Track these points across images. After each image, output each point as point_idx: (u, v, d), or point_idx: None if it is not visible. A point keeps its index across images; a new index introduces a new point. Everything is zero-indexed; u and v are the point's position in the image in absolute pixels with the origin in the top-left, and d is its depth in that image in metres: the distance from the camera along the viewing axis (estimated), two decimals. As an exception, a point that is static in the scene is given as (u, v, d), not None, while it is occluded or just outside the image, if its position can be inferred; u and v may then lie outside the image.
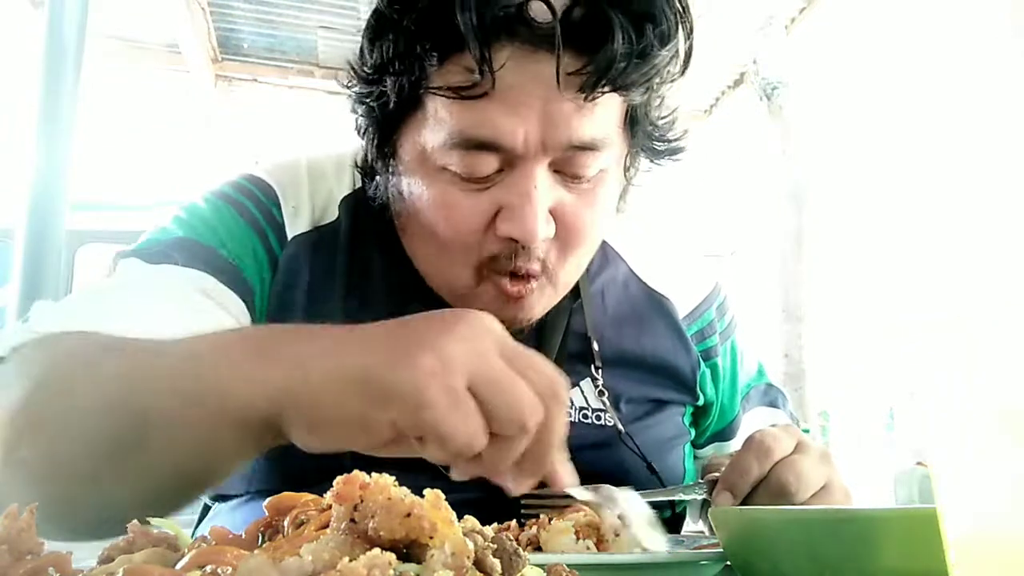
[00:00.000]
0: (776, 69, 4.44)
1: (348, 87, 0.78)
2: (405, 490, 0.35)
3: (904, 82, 4.80)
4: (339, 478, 0.36)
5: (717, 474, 0.78)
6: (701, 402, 0.96)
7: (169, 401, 0.53)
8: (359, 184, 0.87)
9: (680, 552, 0.67)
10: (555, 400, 0.51)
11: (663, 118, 0.82)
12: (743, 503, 0.75)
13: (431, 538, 0.34)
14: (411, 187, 0.77)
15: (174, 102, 6.31)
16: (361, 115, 0.78)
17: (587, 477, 0.80)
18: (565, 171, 0.74)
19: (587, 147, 0.73)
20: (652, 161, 0.85)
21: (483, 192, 0.73)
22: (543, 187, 0.72)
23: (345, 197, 0.86)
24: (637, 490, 0.80)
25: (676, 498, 0.84)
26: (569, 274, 0.81)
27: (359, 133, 0.80)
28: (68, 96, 1.91)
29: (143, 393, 0.54)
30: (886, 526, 0.49)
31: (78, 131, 1.95)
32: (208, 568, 0.35)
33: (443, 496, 0.35)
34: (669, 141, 0.84)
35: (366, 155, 0.81)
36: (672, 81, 0.77)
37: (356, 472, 0.36)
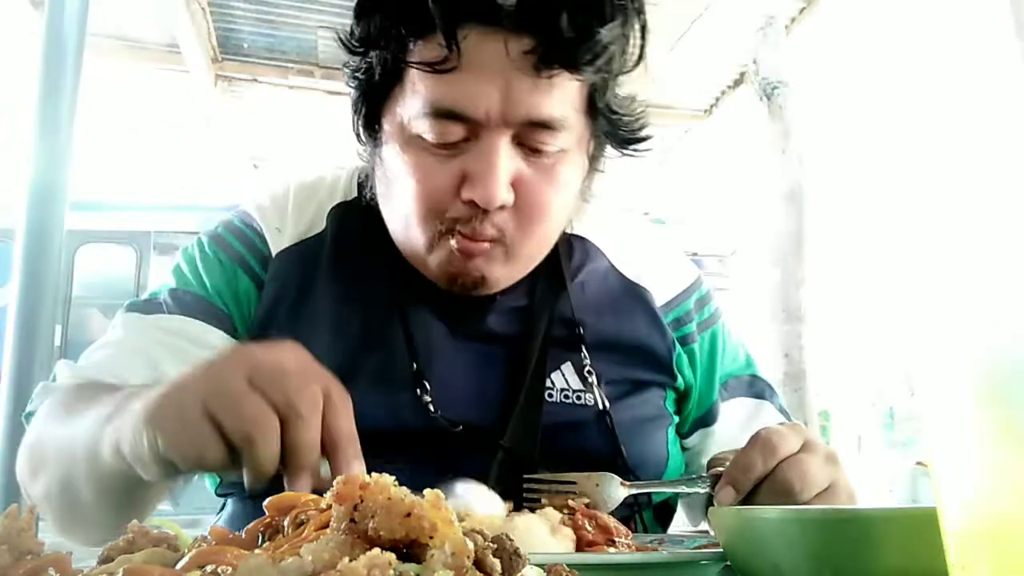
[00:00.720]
0: (776, 69, 4.44)
1: (346, 66, 0.88)
2: (405, 490, 0.35)
3: (904, 82, 4.80)
4: (339, 478, 0.36)
5: (721, 468, 0.78)
6: (680, 384, 0.99)
7: (82, 460, 0.71)
8: (353, 196, 0.98)
9: (680, 552, 0.67)
10: (291, 410, 0.58)
11: (625, 108, 0.89)
12: (746, 501, 0.75)
13: (431, 538, 0.34)
14: (390, 154, 0.85)
15: (174, 102, 6.31)
16: (353, 88, 0.88)
17: (569, 454, 0.85)
18: (526, 144, 0.81)
19: (545, 124, 0.80)
20: (618, 150, 0.92)
21: (451, 160, 0.81)
22: (505, 157, 0.79)
23: (334, 207, 0.96)
24: (620, 474, 0.83)
25: (680, 491, 0.85)
26: (528, 249, 0.86)
27: (352, 108, 0.90)
28: (68, 96, 1.91)
29: (71, 456, 0.73)
30: (886, 526, 0.49)
31: (78, 131, 1.95)
32: (208, 568, 0.35)
33: (443, 496, 0.35)
34: (631, 130, 0.90)
35: (356, 127, 0.91)
36: (625, 71, 0.85)
37: (356, 475, 0.36)
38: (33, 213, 1.88)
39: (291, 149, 6.88)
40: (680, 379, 0.99)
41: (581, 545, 0.66)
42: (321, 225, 0.95)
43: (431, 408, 0.86)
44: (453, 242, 0.82)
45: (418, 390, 0.86)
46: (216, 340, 0.89)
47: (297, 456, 0.58)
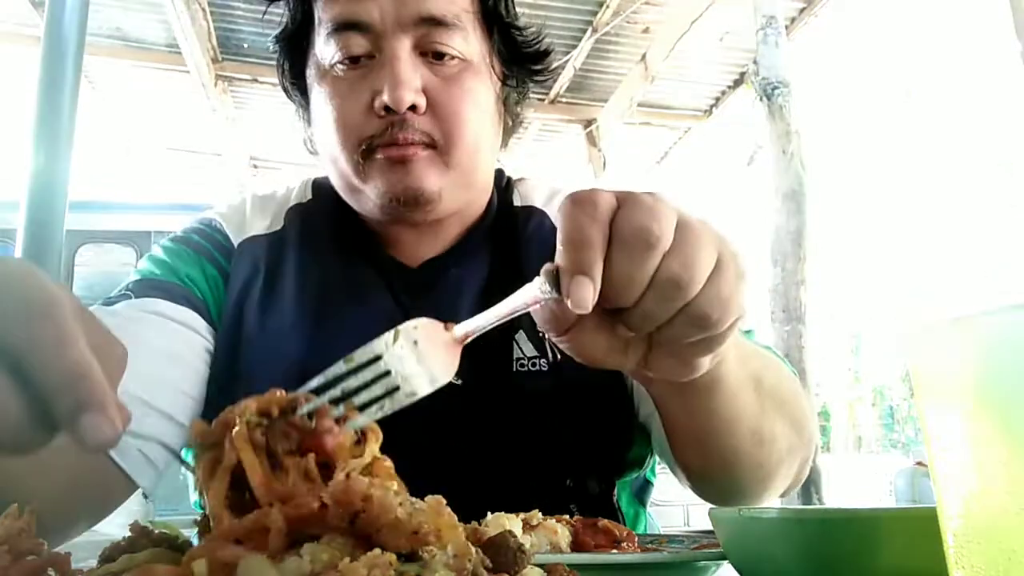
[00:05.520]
0: (776, 69, 4.44)
1: (273, 38, 0.97)
2: (408, 504, 0.34)
3: (905, 82, 4.80)
4: (336, 482, 0.35)
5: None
6: None
7: None
8: (307, 199, 1.04)
9: (680, 552, 0.67)
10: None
11: (519, 24, 0.96)
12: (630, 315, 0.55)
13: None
14: (314, 96, 0.93)
15: (174, 102, 6.31)
16: (277, 50, 0.97)
17: (535, 419, 0.87)
18: (428, 50, 0.88)
19: (438, 21, 0.87)
20: (519, 68, 0.97)
21: (362, 80, 0.88)
22: (406, 60, 0.86)
23: (290, 208, 1.02)
24: (584, 432, 0.87)
25: (515, 308, 0.57)
26: (458, 156, 0.89)
27: (277, 67, 0.99)
28: (68, 96, 1.91)
29: None
30: (886, 526, 0.49)
31: (78, 131, 1.95)
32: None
33: (444, 501, 0.35)
34: (526, 43, 0.97)
35: (284, 83, 1.00)
36: None
37: (356, 478, 0.36)
38: (33, 213, 1.88)
39: (291, 149, 6.88)
40: None
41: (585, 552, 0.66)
42: (280, 224, 1.00)
43: None
44: (389, 152, 0.86)
45: None
46: (192, 320, 0.89)
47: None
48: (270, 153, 7.31)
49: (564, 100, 6.26)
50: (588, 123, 6.48)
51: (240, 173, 7.50)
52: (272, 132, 6.68)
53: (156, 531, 0.41)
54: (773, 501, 0.91)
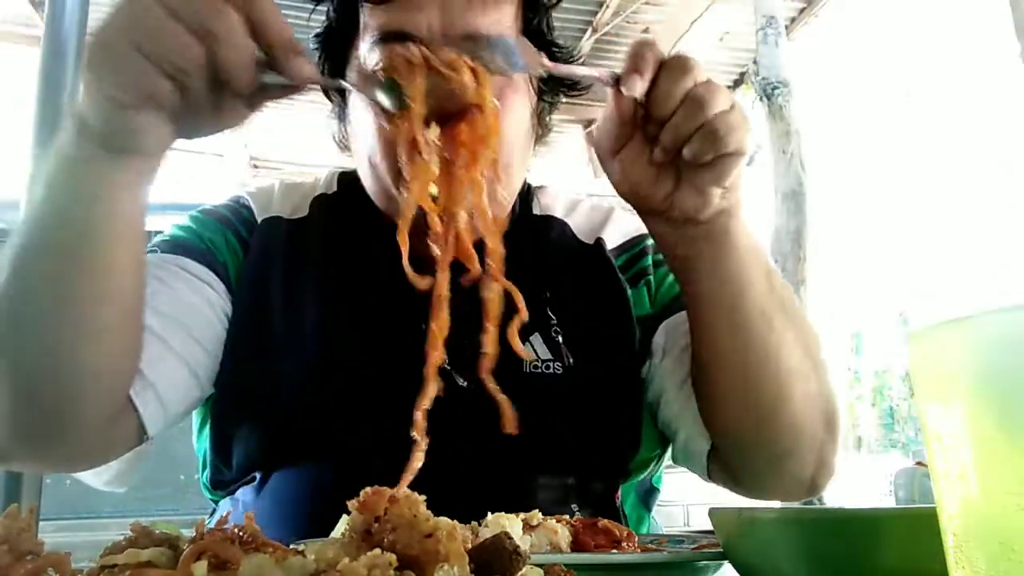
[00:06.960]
0: (776, 69, 4.44)
1: (314, 36, 0.99)
2: (430, 513, 0.35)
3: (904, 81, 4.80)
4: (367, 489, 0.36)
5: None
6: (643, 312, 1.00)
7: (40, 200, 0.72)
8: (333, 191, 1.07)
9: (680, 552, 0.67)
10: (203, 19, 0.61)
11: (559, 42, 1.00)
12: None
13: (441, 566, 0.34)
14: (354, 101, 0.95)
15: (174, 102, 6.30)
16: (317, 48, 0.99)
17: (549, 420, 0.88)
18: None
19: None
20: (556, 84, 1.00)
21: None
22: None
23: (317, 196, 1.05)
24: (597, 429, 0.88)
25: (580, 75, 0.89)
26: (495, 171, 0.89)
27: (318, 67, 1.00)
28: (68, 96, 1.91)
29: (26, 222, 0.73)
30: (886, 526, 0.49)
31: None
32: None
33: (459, 527, 0.36)
34: (566, 62, 1.00)
35: (325, 90, 1.02)
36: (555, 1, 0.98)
37: (385, 488, 0.36)
38: (33, 213, 1.87)
39: (291, 149, 6.88)
40: (638, 330, 1.00)
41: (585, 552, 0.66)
42: (304, 211, 1.02)
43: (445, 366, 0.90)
44: None
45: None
46: (211, 279, 0.93)
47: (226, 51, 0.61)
48: (270, 153, 7.30)
49: (564, 100, 6.26)
50: (588, 123, 6.48)
51: (240, 173, 7.50)
52: (272, 132, 6.67)
53: (157, 531, 0.41)
54: (795, 488, 0.93)
